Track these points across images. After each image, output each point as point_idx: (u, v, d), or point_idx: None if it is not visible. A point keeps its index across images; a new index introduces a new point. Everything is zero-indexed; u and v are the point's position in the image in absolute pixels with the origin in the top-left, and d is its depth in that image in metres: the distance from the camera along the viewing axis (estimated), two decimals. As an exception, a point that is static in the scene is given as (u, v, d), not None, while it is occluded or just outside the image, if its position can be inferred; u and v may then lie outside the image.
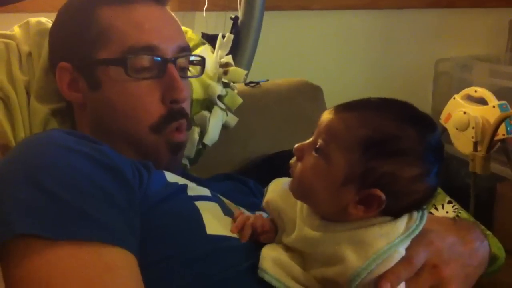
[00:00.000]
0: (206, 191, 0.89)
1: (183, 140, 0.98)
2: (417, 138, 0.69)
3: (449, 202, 1.29)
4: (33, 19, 1.10)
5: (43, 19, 1.10)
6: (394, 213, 0.71)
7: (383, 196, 0.68)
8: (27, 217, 0.68)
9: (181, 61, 0.98)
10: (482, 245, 0.80)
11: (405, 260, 0.68)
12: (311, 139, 0.73)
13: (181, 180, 0.88)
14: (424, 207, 0.74)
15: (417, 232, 0.70)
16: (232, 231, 0.80)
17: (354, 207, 0.69)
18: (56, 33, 1.01)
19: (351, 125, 0.70)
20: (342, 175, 0.69)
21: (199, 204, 0.82)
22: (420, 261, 0.70)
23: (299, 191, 0.74)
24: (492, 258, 0.89)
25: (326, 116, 0.73)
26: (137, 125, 0.93)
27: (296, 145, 0.74)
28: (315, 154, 0.71)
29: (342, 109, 0.73)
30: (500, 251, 1.12)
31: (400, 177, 0.68)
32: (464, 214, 1.27)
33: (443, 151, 0.73)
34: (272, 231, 0.79)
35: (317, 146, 0.71)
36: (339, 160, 0.70)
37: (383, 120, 0.70)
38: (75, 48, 0.96)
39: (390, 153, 0.69)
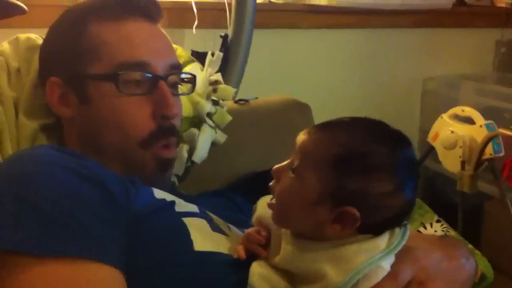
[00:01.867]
0: (194, 208, 0.89)
1: (171, 156, 0.97)
2: (386, 154, 0.70)
3: (438, 221, 1.29)
4: (22, 35, 1.10)
5: (32, 35, 1.10)
6: (373, 230, 0.71)
7: (357, 213, 0.69)
8: (11, 233, 0.68)
9: (173, 78, 0.98)
10: (468, 262, 0.80)
11: (391, 276, 0.68)
12: (288, 161, 0.75)
13: (169, 197, 0.88)
14: (405, 223, 0.74)
15: (399, 247, 0.71)
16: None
17: (330, 226, 0.70)
18: (47, 48, 1.01)
19: (321, 145, 0.72)
20: (315, 194, 0.70)
21: (187, 220, 0.82)
22: (406, 278, 0.70)
23: (278, 212, 0.75)
24: (481, 278, 0.90)
25: (301, 137, 0.75)
26: (126, 140, 0.93)
27: (274, 167, 0.75)
28: (291, 175, 0.73)
29: (314, 129, 0.75)
30: (488, 270, 1.12)
31: (371, 193, 0.69)
32: (452, 233, 1.27)
33: (416, 166, 0.75)
34: (266, 240, 0.79)
35: (293, 166, 0.73)
36: (311, 179, 0.71)
37: (351, 138, 0.71)
38: (66, 63, 0.96)
39: (359, 169, 0.69)
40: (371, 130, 0.73)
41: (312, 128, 0.75)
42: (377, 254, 0.69)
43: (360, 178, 0.69)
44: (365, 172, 0.69)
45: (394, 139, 0.73)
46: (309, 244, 0.72)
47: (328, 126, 0.74)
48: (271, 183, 0.76)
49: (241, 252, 0.78)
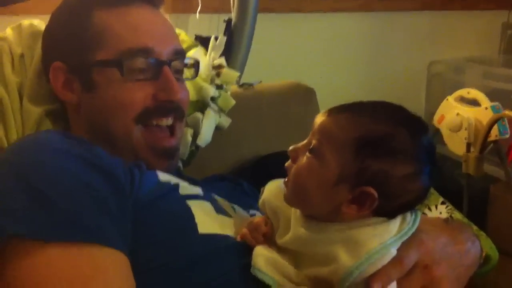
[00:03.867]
0: (198, 190, 0.89)
1: (174, 145, 0.97)
2: (409, 138, 0.70)
3: (443, 203, 1.29)
4: (25, 21, 1.10)
5: (35, 22, 1.10)
6: (387, 214, 0.71)
7: (376, 194, 0.69)
8: (18, 219, 0.68)
9: (176, 64, 0.98)
10: (474, 246, 0.80)
11: (396, 260, 0.68)
12: (305, 141, 0.74)
13: (173, 179, 0.88)
14: (417, 209, 0.74)
15: (410, 234, 0.71)
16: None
17: (347, 206, 0.70)
18: (51, 34, 1.01)
19: (344, 126, 0.71)
20: (335, 174, 0.70)
21: (191, 203, 0.83)
22: (411, 261, 0.70)
23: (293, 194, 0.74)
24: (485, 259, 0.90)
25: (320, 118, 0.74)
26: (123, 118, 0.93)
27: (290, 147, 0.75)
28: (309, 155, 0.72)
29: (336, 111, 0.74)
30: (493, 251, 1.13)
31: (393, 175, 0.69)
32: (457, 215, 1.27)
33: (435, 153, 0.74)
34: (270, 229, 0.80)
35: (311, 146, 0.72)
36: (333, 160, 0.70)
37: (375, 121, 0.71)
38: (70, 49, 0.96)
39: (382, 152, 0.69)
40: (394, 114, 0.73)
41: (332, 109, 0.75)
42: (388, 239, 0.69)
43: (383, 161, 0.69)
44: (389, 154, 0.69)
45: (416, 123, 0.73)
46: (322, 226, 0.72)
47: (349, 108, 0.74)
48: (286, 164, 0.75)
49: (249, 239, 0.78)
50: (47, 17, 1.03)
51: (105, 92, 0.93)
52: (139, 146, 0.94)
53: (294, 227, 0.74)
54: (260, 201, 0.82)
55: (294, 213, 0.76)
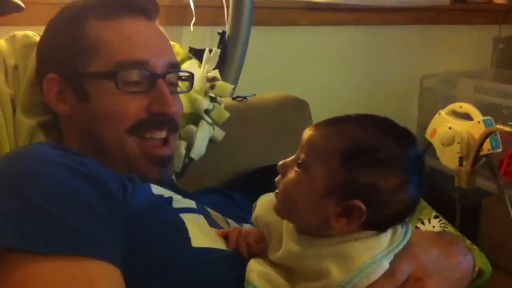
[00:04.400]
0: (191, 203, 0.89)
1: (167, 153, 0.97)
2: (396, 149, 0.71)
3: (436, 217, 1.30)
4: (19, 33, 1.10)
5: (29, 33, 1.10)
6: (377, 226, 0.71)
7: (363, 207, 0.69)
8: (10, 231, 0.68)
9: (171, 77, 0.98)
10: (466, 259, 0.80)
11: (389, 273, 0.68)
12: (293, 156, 0.75)
13: (166, 193, 0.88)
14: (407, 221, 0.74)
15: (401, 247, 0.71)
16: (230, 246, 0.80)
17: (336, 219, 0.70)
18: (45, 45, 1.01)
19: (331, 138, 0.72)
20: (323, 187, 0.70)
21: (184, 216, 0.82)
22: (403, 275, 0.70)
23: (283, 207, 0.75)
24: (478, 273, 0.90)
25: (307, 132, 0.74)
26: (116, 130, 0.93)
27: (279, 163, 0.75)
28: (297, 169, 0.72)
29: (322, 124, 0.75)
30: (486, 265, 1.13)
31: (380, 187, 0.69)
32: (450, 229, 1.27)
33: (423, 163, 0.75)
34: (264, 241, 0.79)
35: (299, 161, 0.72)
36: (320, 172, 0.71)
37: (362, 132, 0.72)
38: (64, 60, 0.96)
39: (369, 163, 0.70)
40: (381, 126, 0.73)
41: (319, 123, 0.75)
42: (380, 253, 0.69)
43: (370, 172, 0.69)
44: (376, 166, 0.70)
45: (403, 135, 0.73)
46: (313, 240, 0.72)
47: (335, 122, 0.74)
48: (276, 179, 0.75)
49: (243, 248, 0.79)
50: (41, 29, 1.03)
51: (99, 103, 0.93)
52: (133, 155, 0.93)
53: (286, 242, 0.74)
54: (253, 216, 0.82)
55: (286, 228, 0.76)
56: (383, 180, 0.69)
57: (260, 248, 0.79)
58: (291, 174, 0.73)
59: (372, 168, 0.70)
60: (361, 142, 0.70)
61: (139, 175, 0.90)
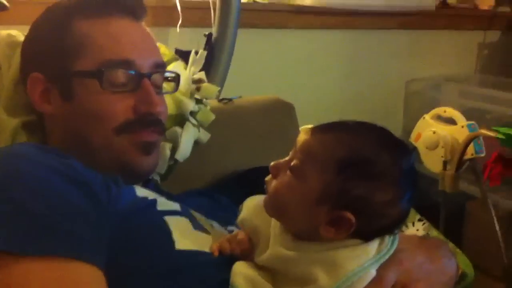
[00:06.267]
0: (176, 206, 0.89)
1: (152, 139, 0.96)
2: (392, 164, 0.70)
3: (419, 220, 1.30)
4: (3, 32, 1.09)
5: (13, 32, 1.09)
6: (366, 236, 0.71)
7: (353, 219, 0.69)
8: (-6, 232, 0.67)
9: (156, 77, 0.98)
10: (450, 262, 0.81)
11: (376, 280, 0.69)
12: (287, 158, 0.74)
13: (151, 195, 0.88)
14: (396, 232, 0.74)
15: (387, 256, 0.71)
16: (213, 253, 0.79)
17: (325, 228, 0.70)
18: (30, 44, 1.00)
19: (328, 146, 0.71)
20: (315, 195, 0.70)
21: (168, 219, 0.82)
22: (390, 281, 0.71)
23: (273, 207, 0.74)
24: (461, 276, 0.90)
25: (303, 136, 0.74)
26: (104, 131, 0.92)
27: (272, 163, 0.75)
28: (290, 173, 0.72)
29: (319, 129, 0.74)
30: (469, 268, 1.13)
31: (373, 200, 0.69)
32: (434, 232, 1.28)
33: (416, 177, 0.74)
34: (250, 246, 0.79)
35: (292, 165, 0.72)
36: (314, 180, 0.70)
37: (359, 143, 0.71)
38: (49, 58, 0.95)
39: (364, 176, 0.69)
40: (378, 137, 0.73)
41: (315, 128, 0.74)
42: (367, 261, 0.69)
43: (364, 185, 0.69)
44: (370, 179, 0.69)
45: (399, 148, 0.73)
46: (301, 245, 0.72)
47: (333, 129, 0.74)
48: (266, 178, 0.75)
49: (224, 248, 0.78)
50: (26, 28, 1.02)
51: (84, 102, 0.93)
52: (121, 150, 0.93)
53: (273, 245, 0.74)
54: (239, 219, 0.82)
55: (273, 232, 0.75)
56: (376, 194, 0.69)
57: (246, 251, 0.78)
58: (284, 177, 0.72)
59: (366, 181, 0.69)
60: (358, 154, 0.70)
61: (125, 170, 0.90)
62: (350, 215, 0.69)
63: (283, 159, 0.74)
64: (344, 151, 0.70)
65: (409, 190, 0.72)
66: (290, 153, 0.74)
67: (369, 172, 0.69)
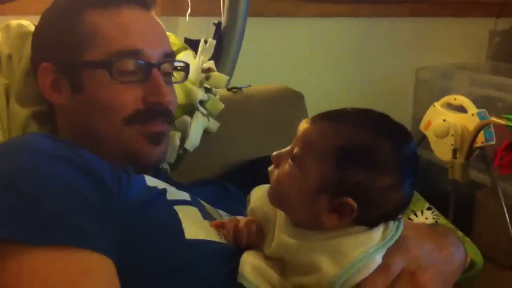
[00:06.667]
0: (185, 195, 0.89)
1: (161, 129, 0.96)
2: (391, 149, 0.70)
3: (428, 209, 1.30)
4: (14, 22, 1.09)
5: (24, 22, 1.09)
6: (369, 223, 0.71)
7: (355, 205, 0.69)
8: (4, 222, 0.68)
9: (166, 67, 0.98)
10: (458, 250, 0.80)
11: (382, 268, 0.68)
12: (288, 147, 0.74)
13: (160, 184, 0.88)
14: (400, 217, 0.74)
15: (392, 241, 0.71)
16: (229, 238, 0.79)
17: (327, 215, 0.70)
18: (40, 34, 1.01)
19: (326, 135, 0.71)
20: (315, 184, 0.70)
21: (178, 208, 0.82)
22: (397, 269, 0.70)
23: (275, 198, 0.75)
24: (470, 264, 0.90)
25: (303, 125, 0.74)
26: (114, 121, 0.93)
27: (274, 153, 0.75)
28: (291, 162, 0.72)
29: (319, 119, 0.74)
30: (478, 257, 1.14)
31: (373, 187, 0.69)
32: (443, 221, 1.28)
33: (418, 162, 0.74)
34: (262, 233, 0.79)
35: (293, 154, 0.72)
36: (313, 169, 0.70)
37: (358, 131, 0.71)
38: (59, 49, 0.96)
39: (363, 163, 0.69)
40: (378, 124, 0.72)
41: (315, 116, 0.74)
42: (372, 248, 0.69)
43: (364, 172, 0.69)
44: (370, 166, 0.69)
45: (399, 134, 0.72)
46: (305, 234, 0.72)
47: (332, 116, 0.73)
48: (269, 168, 0.75)
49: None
50: (36, 18, 1.02)
51: (94, 93, 0.93)
52: (131, 141, 0.93)
53: (278, 234, 0.74)
54: (249, 209, 0.82)
55: (278, 220, 0.76)
56: (377, 180, 0.69)
57: (257, 239, 0.79)
58: (285, 167, 0.73)
59: (366, 168, 0.69)
60: (357, 142, 0.70)
61: (135, 160, 0.90)
62: (351, 201, 0.69)
63: (285, 149, 0.74)
64: (342, 139, 0.70)
65: (411, 175, 0.71)
66: (292, 142, 0.74)
67: (368, 159, 0.69)
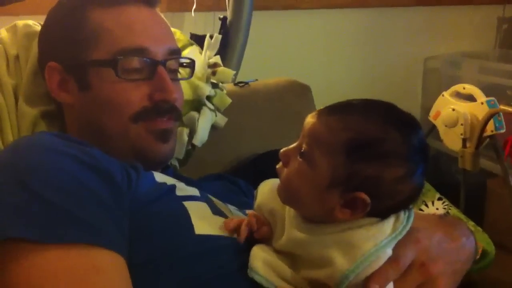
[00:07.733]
0: (195, 191, 0.89)
1: (168, 127, 0.97)
2: (400, 140, 0.69)
3: (439, 199, 1.30)
4: (20, 22, 1.10)
5: (30, 22, 1.10)
6: (381, 214, 0.71)
7: (368, 199, 0.68)
8: (15, 221, 0.68)
9: (171, 63, 0.98)
10: (469, 241, 0.80)
11: (393, 260, 0.68)
12: (295, 144, 0.73)
13: (170, 180, 0.88)
14: (411, 207, 0.74)
15: (404, 233, 0.70)
16: (228, 231, 0.79)
17: (340, 210, 0.70)
18: (47, 34, 1.01)
19: (334, 129, 0.70)
20: (326, 179, 0.69)
21: (187, 204, 0.82)
22: (407, 261, 0.70)
23: (286, 196, 0.74)
24: (482, 254, 0.90)
25: (309, 120, 0.73)
26: (121, 119, 0.93)
27: (281, 150, 0.74)
28: (300, 159, 0.71)
29: (325, 112, 0.73)
30: (490, 246, 1.13)
31: (384, 179, 0.68)
32: (454, 211, 1.28)
33: (428, 150, 0.73)
34: (268, 227, 0.79)
35: (302, 150, 0.71)
36: (323, 164, 0.70)
37: (365, 123, 0.70)
38: (65, 48, 0.96)
39: (373, 155, 0.69)
40: (385, 115, 0.71)
41: (321, 110, 0.73)
42: (383, 240, 0.68)
43: (374, 165, 0.68)
44: (380, 158, 0.68)
45: (407, 124, 0.72)
46: (316, 228, 0.72)
47: (338, 110, 0.72)
48: (277, 166, 0.75)
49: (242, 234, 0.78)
50: (42, 18, 1.03)
51: (100, 91, 0.93)
52: (138, 138, 0.93)
53: (288, 229, 0.74)
54: (256, 204, 0.82)
55: (288, 215, 0.75)
56: (388, 171, 0.68)
57: (263, 232, 0.79)
58: (294, 164, 0.72)
59: (376, 160, 0.68)
60: (366, 134, 0.69)
61: (143, 158, 0.90)
62: (364, 196, 0.68)
63: (292, 146, 0.73)
64: (350, 133, 0.69)
65: (421, 165, 0.71)
66: (299, 138, 0.73)
67: (378, 151, 0.69)
